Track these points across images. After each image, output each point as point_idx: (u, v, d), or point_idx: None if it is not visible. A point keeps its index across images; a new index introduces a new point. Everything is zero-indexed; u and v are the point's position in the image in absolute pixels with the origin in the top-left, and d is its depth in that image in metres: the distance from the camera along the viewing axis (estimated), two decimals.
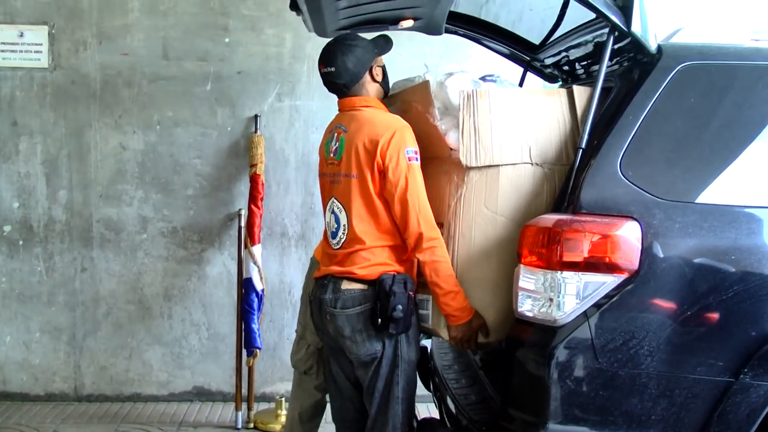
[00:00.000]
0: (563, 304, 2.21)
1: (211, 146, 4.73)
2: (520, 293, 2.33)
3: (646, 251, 2.23)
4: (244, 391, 4.48)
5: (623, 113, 2.39)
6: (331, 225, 2.83)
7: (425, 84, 2.78)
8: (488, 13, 3.44)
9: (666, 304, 2.26)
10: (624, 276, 2.22)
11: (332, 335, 2.78)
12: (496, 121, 2.62)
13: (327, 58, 2.78)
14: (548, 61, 3.50)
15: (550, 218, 2.30)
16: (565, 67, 3.43)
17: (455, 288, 2.59)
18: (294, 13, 3.27)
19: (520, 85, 3.73)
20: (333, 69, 2.75)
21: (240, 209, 4.64)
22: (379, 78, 2.86)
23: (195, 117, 4.72)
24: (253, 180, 4.48)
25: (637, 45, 2.49)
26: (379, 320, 2.63)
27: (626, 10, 2.40)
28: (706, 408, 2.23)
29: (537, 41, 3.48)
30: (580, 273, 2.21)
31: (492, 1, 3.35)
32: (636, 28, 2.41)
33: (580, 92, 2.62)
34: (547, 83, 3.99)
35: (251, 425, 4.43)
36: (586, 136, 2.39)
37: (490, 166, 2.63)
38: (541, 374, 2.25)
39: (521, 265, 2.34)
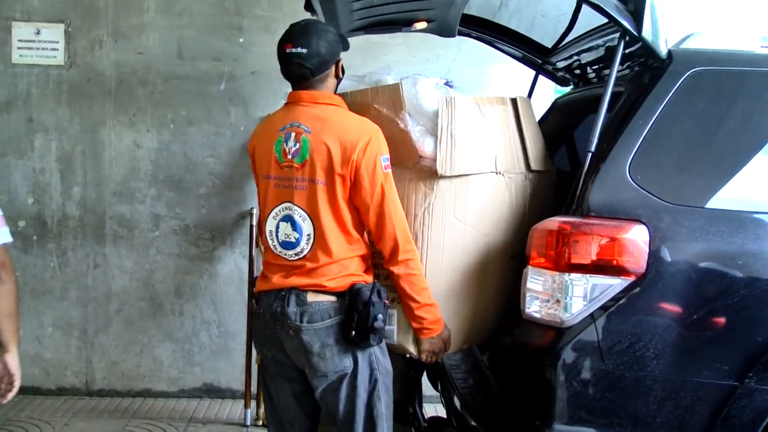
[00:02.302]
0: (570, 306, 2.23)
1: (225, 145, 4.76)
2: (527, 294, 2.35)
3: (654, 255, 2.25)
4: (254, 388, 4.49)
5: (633, 117, 2.41)
6: (287, 234, 2.53)
7: (395, 87, 2.66)
8: (501, 18, 3.46)
9: (672, 308, 2.27)
10: (631, 279, 2.23)
11: (291, 352, 2.55)
12: (469, 129, 2.63)
13: (298, 38, 2.46)
14: (560, 65, 3.52)
15: (558, 220, 2.32)
16: (577, 71, 3.45)
17: (430, 301, 2.54)
18: (309, 13, 3.29)
19: (531, 88, 3.75)
20: (305, 50, 2.44)
21: (252, 208, 4.68)
22: (340, 75, 2.65)
23: (209, 116, 4.75)
24: None
25: (648, 50, 2.51)
26: (353, 332, 2.46)
27: (637, 15, 2.42)
28: (711, 411, 2.24)
29: (549, 45, 3.50)
30: (587, 275, 2.22)
31: (505, 6, 3.37)
32: (647, 33, 2.42)
33: (523, 102, 2.74)
34: (558, 86, 4.01)
35: (260, 423, 4.44)
36: (596, 140, 2.40)
37: (460, 176, 2.62)
38: (547, 375, 2.27)
39: (529, 267, 2.36)
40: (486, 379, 2.90)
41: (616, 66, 2.49)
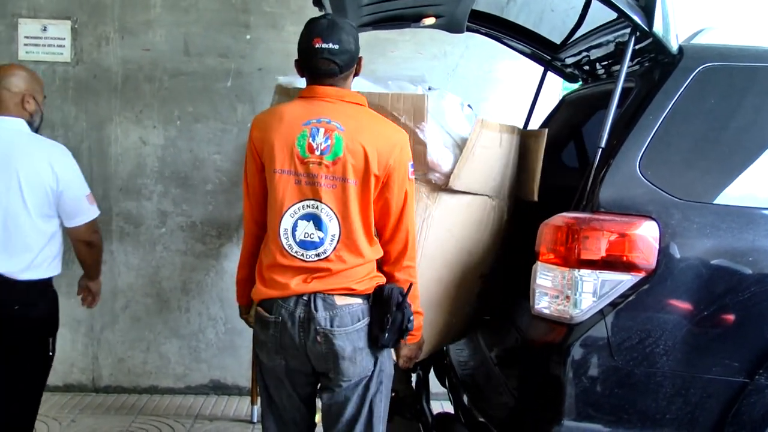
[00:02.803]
0: (580, 302, 2.22)
1: (231, 142, 4.76)
2: (537, 290, 2.34)
3: (664, 251, 2.24)
4: None
5: (643, 113, 2.40)
6: (307, 234, 2.41)
7: (421, 97, 2.68)
8: (509, 14, 3.45)
9: (682, 304, 2.26)
10: (641, 275, 2.22)
11: (315, 359, 2.45)
12: (488, 152, 2.74)
13: (328, 33, 2.37)
14: (569, 61, 3.51)
15: (568, 216, 2.31)
16: (586, 67, 3.44)
17: (420, 309, 2.58)
18: (317, 8, 3.28)
19: (540, 85, 3.74)
20: (336, 46, 2.37)
21: None
22: (359, 72, 2.57)
23: (215, 113, 4.75)
24: None
25: (659, 45, 2.50)
26: (386, 334, 2.43)
27: (648, 11, 2.41)
28: (721, 408, 2.24)
29: (558, 41, 3.49)
30: (597, 271, 2.21)
31: (513, 1, 3.36)
32: (658, 28, 2.41)
33: (536, 138, 2.80)
34: (567, 82, 4.00)
35: None
36: (606, 135, 2.39)
37: (462, 193, 2.73)
38: (556, 371, 2.26)
39: (539, 263, 2.35)
40: (494, 376, 2.89)
41: (627, 62, 2.47)
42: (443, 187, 2.74)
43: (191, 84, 4.73)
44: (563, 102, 3.72)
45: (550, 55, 3.60)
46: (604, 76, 3.33)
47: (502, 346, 3.04)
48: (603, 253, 2.22)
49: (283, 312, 2.43)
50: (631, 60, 2.57)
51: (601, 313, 2.22)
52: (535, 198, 2.85)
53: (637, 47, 2.54)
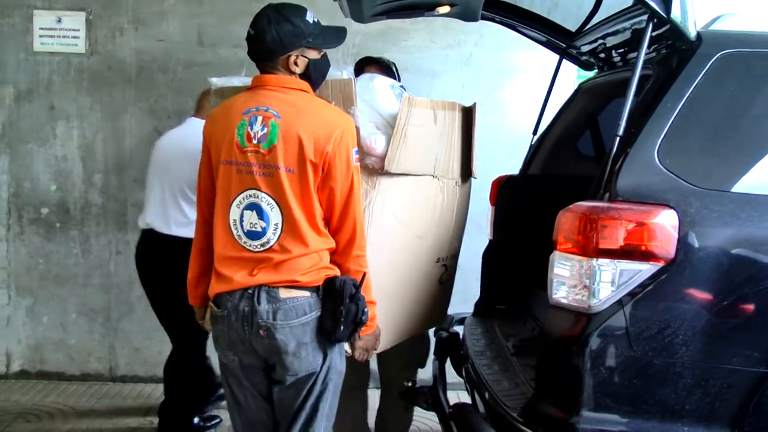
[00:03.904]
0: (598, 292, 2.20)
1: None
2: (554, 280, 2.32)
3: (683, 240, 2.21)
4: None
5: (661, 101, 2.37)
6: (252, 223, 2.40)
7: (348, 81, 2.64)
8: (524, 1, 3.42)
9: (702, 294, 2.24)
10: (660, 264, 2.20)
11: (263, 352, 2.44)
12: (422, 130, 2.69)
13: (254, 21, 2.46)
14: (584, 49, 3.48)
15: (586, 205, 2.29)
16: (602, 55, 3.40)
17: (372, 298, 2.54)
18: None
19: (555, 73, 3.71)
20: (253, 31, 2.44)
21: None
22: (297, 70, 2.47)
23: None
24: None
25: (677, 32, 2.47)
26: (341, 327, 2.39)
27: None
28: (742, 399, 2.21)
29: (573, 28, 3.46)
30: (615, 260, 2.19)
31: None
32: (675, 14, 2.38)
33: (473, 112, 2.79)
34: (582, 70, 3.97)
35: None
36: (623, 123, 2.36)
37: (402, 175, 2.67)
38: (574, 361, 2.24)
39: (556, 252, 2.33)
40: (511, 366, 2.88)
41: (644, 49, 2.44)
42: (380, 170, 2.70)
43: (205, 74, 4.69)
44: (579, 90, 3.69)
45: (566, 42, 3.57)
46: (621, 63, 3.29)
47: (519, 336, 3.03)
48: (621, 242, 2.20)
49: (229, 306, 2.42)
50: (649, 47, 2.54)
51: (620, 303, 2.20)
52: (475, 175, 2.95)
53: (654, 34, 2.51)
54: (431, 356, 3.47)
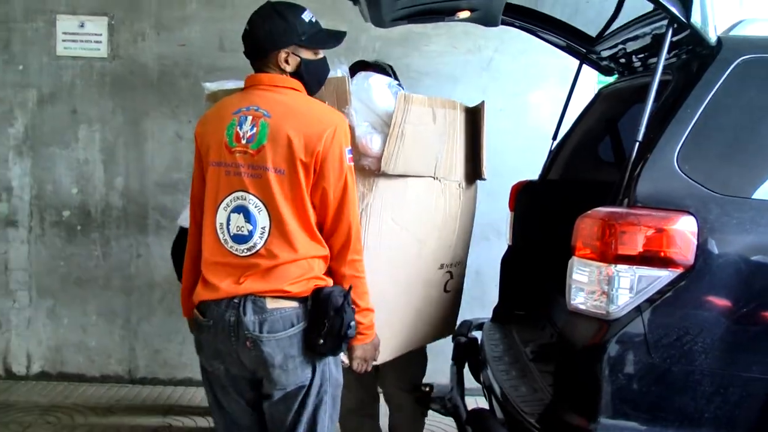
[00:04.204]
0: (617, 298, 2.19)
1: None
2: (573, 286, 2.32)
3: (702, 246, 2.20)
4: None
5: (681, 106, 2.36)
6: (239, 227, 2.30)
7: (342, 79, 2.55)
8: (544, 6, 3.42)
9: (721, 301, 2.22)
10: (679, 271, 2.19)
11: (250, 364, 2.33)
12: (420, 129, 2.57)
13: (251, 17, 2.43)
14: (605, 54, 3.47)
15: (605, 211, 2.28)
16: (622, 60, 3.39)
17: (369, 305, 2.44)
18: (351, 2, 3.27)
19: (575, 78, 3.70)
20: (249, 28, 2.41)
21: None
22: (288, 68, 2.39)
23: None
24: None
25: (697, 37, 2.46)
26: (322, 341, 2.28)
27: (686, 1, 2.36)
28: (761, 407, 2.19)
29: (593, 33, 3.45)
30: (634, 267, 2.18)
31: None
32: (696, 19, 2.37)
33: (478, 113, 2.69)
34: (602, 75, 3.96)
35: None
36: (643, 129, 2.35)
37: (400, 176, 2.57)
38: (593, 368, 2.23)
39: (574, 258, 2.32)
40: (529, 371, 2.87)
41: (664, 54, 2.43)
42: (377, 172, 2.61)
43: (227, 79, 4.75)
44: (599, 95, 3.68)
45: (586, 47, 3.56)
46: (641, 68, 3.28)
47: (537, 342, 3.01)
48: (640, 249, 2.19)
49: (216, 315, 2.32)
50: (669, 52, 2.53)
51: (638, 310, 2.19)
52: (485, 177, 2.85)
53: (674, 39, 2.50)
54: (449, 361, 3.47)
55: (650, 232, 2.19)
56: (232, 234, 2.31)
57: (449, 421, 3.55)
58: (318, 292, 2.31)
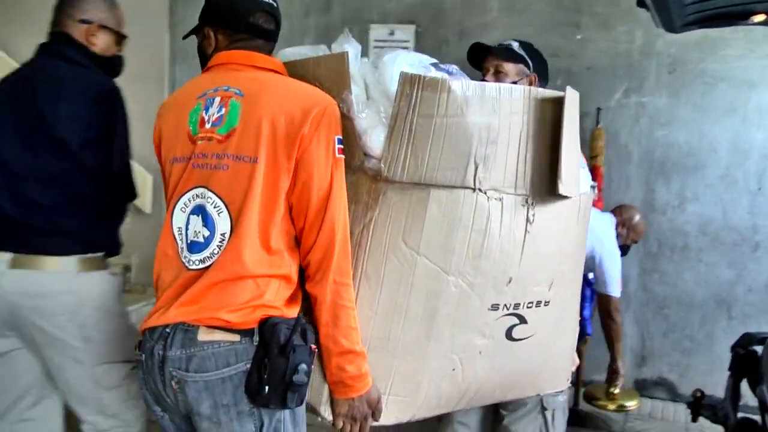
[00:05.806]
0: None
1: None
2: None
3: None
4: None
5: None
6: (196, 232, 1.81)
7: (339, 57, 1.94)
8: None
9: None
10: None
11: (182, 410, 1.81)
12: (443, 124, 1.88)
13: None
14: None
15: None
16: None
17: (356, 347, 1.84)
18: (644, 9, 3.32)
19: None
20: (274, 3, 2.03)
21: None
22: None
23: None
24: (593, 170, 4.59)
25: None
26: (265, 387, 1.72)
27: None
28: None
29: None
30: None
31: None
32: None
33: (571, 97, 2.10)
34: None
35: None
36: None
37: (417, 185, 1.91)
38: None
39: None
40: None
41: None
42: (387, 179, 1.90)
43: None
44: None
45: None
46: None
47: None
48: None
49: (146, 348, 1.83)
50: None
51: None
52: (561, 190, 2.02)
53: None
54: (726, 372, 3.41)
55: None
56: (189, 241, 1.83)
57: None
58: (263, 323, 1.76)
